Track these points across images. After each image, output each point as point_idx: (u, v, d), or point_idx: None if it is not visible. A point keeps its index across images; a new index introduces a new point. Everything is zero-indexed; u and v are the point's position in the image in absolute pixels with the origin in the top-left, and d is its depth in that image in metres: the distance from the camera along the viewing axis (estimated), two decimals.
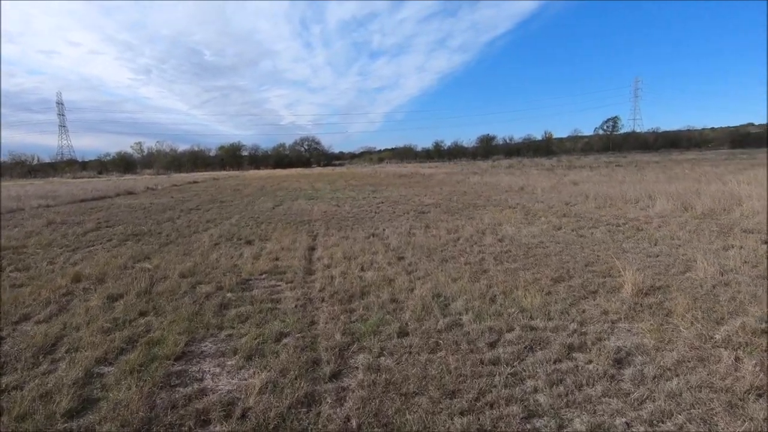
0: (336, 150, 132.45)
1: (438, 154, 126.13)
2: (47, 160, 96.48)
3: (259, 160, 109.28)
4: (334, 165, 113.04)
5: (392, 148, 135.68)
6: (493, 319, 4.13)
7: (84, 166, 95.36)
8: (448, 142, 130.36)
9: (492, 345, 3.57)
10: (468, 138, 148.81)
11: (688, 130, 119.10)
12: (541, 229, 9.05)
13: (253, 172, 75.04)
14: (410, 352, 3.46)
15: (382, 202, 15.78)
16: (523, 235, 8.55)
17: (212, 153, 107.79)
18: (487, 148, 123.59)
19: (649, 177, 21.17)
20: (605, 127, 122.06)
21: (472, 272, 5.88)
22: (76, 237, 10.00)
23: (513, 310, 4.35)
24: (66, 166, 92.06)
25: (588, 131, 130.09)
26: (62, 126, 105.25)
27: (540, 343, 3.56)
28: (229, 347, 3.71)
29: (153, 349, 3.68)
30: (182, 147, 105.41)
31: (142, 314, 4.62)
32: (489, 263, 6.41)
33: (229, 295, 5.29)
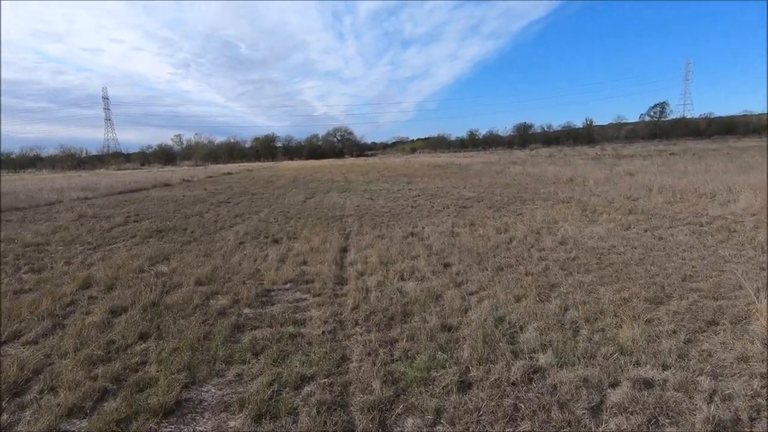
0: (368, 140, 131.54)
1: (473, 143, 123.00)
2: (94, 153, 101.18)
3: (292, 151, 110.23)
4: (367, 155, 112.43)
5: (425, 138, 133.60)
6: (584, 363, 3.07)
7: (128, 158, 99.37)
8: (482, 131, 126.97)
9: (595, 412, 2.52)
10: (503, 126, 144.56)
11: (745, 114, 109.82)
12: (607, 229, 7.76)
13: (286, 163, 75.54)
14: (479, 421, 2.47)
15: (419, 195, 14.73)
16: (587, 236, 7.32)
17: (248, 144, 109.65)
18: (524, 137, 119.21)
19: (715, 166, 18.98)
20: (652, 113, 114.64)
21: (537, 287, 4.79)
22: (102, 233, 9.60)
23: (608, 348, 3.26)
24: (111, 158, 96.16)
25: (632, 118, 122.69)
26: (108, 120, 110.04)
27: (668, 414, 2.48)
28: (235, 396, 2.85)
29: (141, 395, 2.87)
30: (219, 139, 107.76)
31: (143, 337, 3.87)
32: (556, 274, 5.28)
33: (246, 311, 4.47)
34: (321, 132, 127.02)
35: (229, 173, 40.69)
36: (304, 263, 6.43)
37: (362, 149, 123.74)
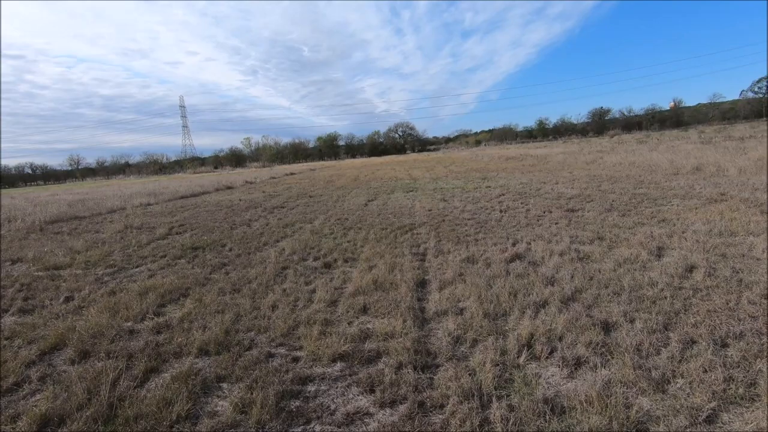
0: (429, 135, 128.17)
1: (542, 132, 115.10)
2: (174, 158, 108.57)
3: (354, 148, 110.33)
4: (429, 150, 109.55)
5: (489, 130, 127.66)
6: None
7: (203, 162, 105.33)
8: (552, 119, 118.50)
9: None
10: (576, 113, 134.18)
11: None
12: None
13: (348, 161, 75.06)
14: None
15: (503, 195, 12.08)
16: None
17: (311, 144, 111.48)
18: (601, 123, 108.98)
19: None
20: (756, 89, 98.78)
21: None
22: (135, 249, 8.24)
23: None
24: (188, 162, 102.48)
25: (731, 95, 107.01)
26: (185, 127, 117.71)
27: None
28: None
29: None
30: (285, 140, 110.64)
31: None
32: None
33: None
34: (382, 128, 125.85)
35: (291, 173, 40.27)
36: (364, 310, 4.28)
37: (424, 144, 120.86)
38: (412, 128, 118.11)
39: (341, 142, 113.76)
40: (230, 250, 7.57)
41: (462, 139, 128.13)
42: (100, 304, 5.04)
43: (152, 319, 4.42)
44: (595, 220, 7.56)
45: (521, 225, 7.76)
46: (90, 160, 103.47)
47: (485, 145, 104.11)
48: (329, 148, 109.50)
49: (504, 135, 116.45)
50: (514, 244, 6.38)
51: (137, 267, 6.91)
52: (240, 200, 16.95)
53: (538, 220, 8.04)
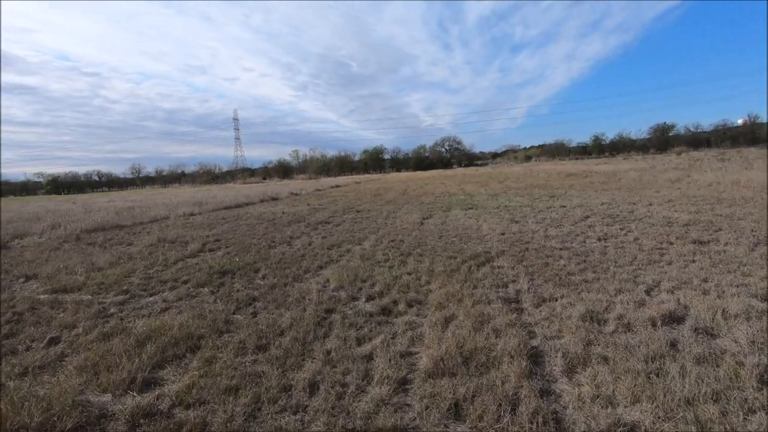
0: (476, 150, 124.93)
1: (598, 148, 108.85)
2: (226, 169, 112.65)
3: (400, 162, 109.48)
4: (476, 165, 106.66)
5: (540, 145, 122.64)
6: None
7: (252, 173, 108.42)
8: (608, 135, 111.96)
9: None
10: (634, 129, 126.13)
11: None
12: None
13: (394, 175, 74.02)
14: None
15: (587, 216, 10.04)
16: None
17: (357, 158, 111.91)
18: (663, 139, 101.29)
19: None
20: None
21: None
22: (158, 270, 7.09)
23: None
24: (239, 173, 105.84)
25: None
26: (237, 139, 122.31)
27: None
28: None
29: None
30: (331, 153, 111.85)
31: None
32: None
33: None
34: (427, 143, 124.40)
35: (337, 186, 39.49)
36: (456, 413, 2.63)
37: (471, 159, 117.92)
38: (459, 142, 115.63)
39: (386, 156, 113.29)
40: (264, 277, 6.18)
41: (510, 154, 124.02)
42: (83, 356, 3.73)
43: (134, 397, 3.01)
44: (749, 259, 5.49)
45: (641, 261, 5.80)
46: (150, 169, 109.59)
47: (536, 160, 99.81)
48: (374, 161, 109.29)
49: (556, 150, 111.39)
50: (648, 292, 4.50)
51: (152, 295, 5.66)
52: (283, 213, 15.87)
53: (660, 255, 6.05)
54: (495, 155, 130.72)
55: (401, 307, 4.62)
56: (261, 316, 4.54)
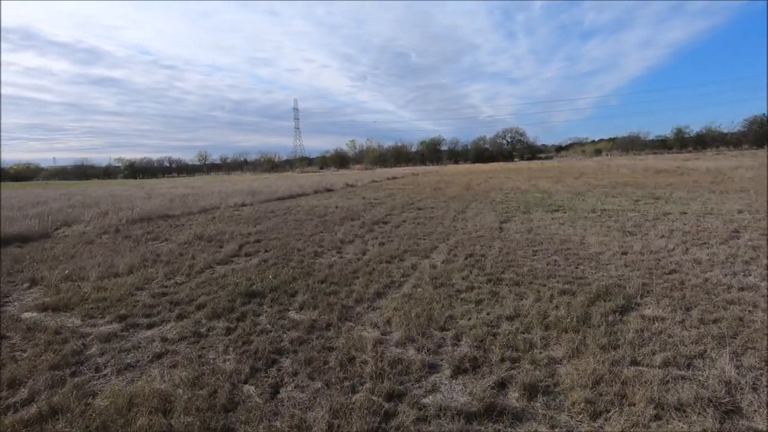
0: (538, 142, 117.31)
1: (680, 142, 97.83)
2: (285, 158, 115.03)
3: (458, 154, 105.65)
4: (540, 158, 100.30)
5: (611, 138, 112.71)
6: None
7: (310, 162, 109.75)
8: (693, 128, 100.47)
9: None
10: (724, 121, 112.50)
11: None
12: None
13: (452, 167, 71.07)
14: None
15: (738, 231, 7.40)
16: None
17: (414, 148, 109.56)
18: (762, 133, 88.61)
19: None
20: None
21: None
22: (178, 282, 5.70)
23: None
24: (297, 162, 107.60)
25: None
26: (297, 129, 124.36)
27: None
28: None
29: None
30: (388, 143, 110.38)
31: None
32: None
33: None
34: (486, 134, 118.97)
35: (393, 177, 37.74)
36: None
37: (533, 152, 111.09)
38: (522, 134, 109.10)
39: (444, 147, 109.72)
40: (301, 307, 4.49)
41: (577, 147, 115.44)
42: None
43: None
44: None
45: None
46: (215, 157, 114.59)
47: (607, 154, 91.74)
48: (432, 152, 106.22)
49: (630, 144, 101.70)
50: None
51: (151, 327, 4.17)
52: (336, 207, 14.35)
53: None
54: (560, 148, 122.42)
55: (514, 396, 2.70)
56: (284, 394, 2.83)
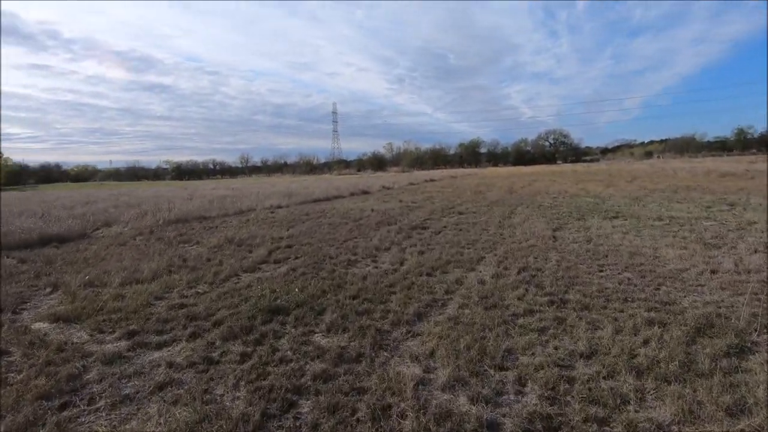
0: (584, 144, 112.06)
1: (742, 144, 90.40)
2: (323, 160, 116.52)
3: (498, 157, 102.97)
4: (584, 161, 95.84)
5: (662, 140, 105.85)
6: None
7: (347, 164, 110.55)
8: (758, 128, 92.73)
9: None
10: None
11: None
12: None
13: (491, 169, 69.11)
14: None
15: None
16: None
17: (452, 151, 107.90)
18: None
19: None
20: None
21: None
22: (199, 292, 5.25)
23: None
24: (335, 164, 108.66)
25: None
26: (335, 131, 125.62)
27: None
28: None
29: None
30: (425, 146, 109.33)
31: None
32: None
33: None
34: (527, 136, 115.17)
35: (431, 180, 36.85)
36: None
37: (578, 154, 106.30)
38: (565, 136, 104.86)
39: (483, 150, 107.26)
40: (329, 330, 3.86)
41: (625, 149, 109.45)
42: None
43: None
44: None
45: None
46: (256, 159, 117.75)
47: (659, 157, 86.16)
48: (470, 154, 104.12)
49: (685, 145, 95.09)
50: None
51: (160, 348, 3.67)
52: (372, 210, 13.76)
53: None
54: (605, 150, 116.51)
55: None
56: None
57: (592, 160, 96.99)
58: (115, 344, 3.77)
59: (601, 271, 5.51)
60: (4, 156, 77.98)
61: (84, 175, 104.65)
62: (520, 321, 3.89)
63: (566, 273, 5.42)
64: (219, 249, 7.97)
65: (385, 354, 3.36)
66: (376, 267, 6.22)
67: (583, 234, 8.14)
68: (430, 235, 8.78)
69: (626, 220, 9.76)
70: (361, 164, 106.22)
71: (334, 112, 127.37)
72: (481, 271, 5.73)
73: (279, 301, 4.62)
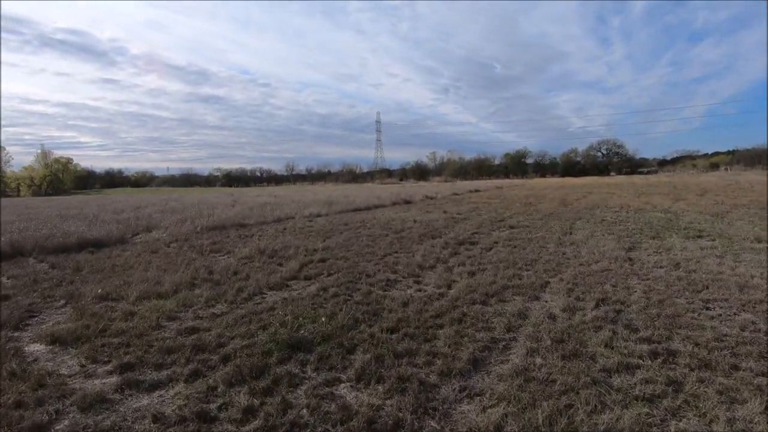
0: (639, 155, 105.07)
1: None
2: (366, 169, 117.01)
3: (545, 167, 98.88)
4: (641, 172, 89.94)
5: (730, 151, 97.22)
6: None
7: (390, 173, 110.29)
8: None
9: None
10: None
11: None
12: None
13: (539, 180, 66.16)
14: None
15: None
16: None
17: (496, 161, 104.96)
18: None
19: None
20: None
21: None
22: (216, 313, 4.60)
23: None
24: (377, 173, 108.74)
25: None
26: (378, 140, 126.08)
27: None
28: None
29: None
30: (469, 156, 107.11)
31: None
32: None
33: None
34: (576, 146, 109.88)
35: (476, 190, 35.41)
36: None
37: (633, 165, 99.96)
38: (620, 146, 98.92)
39: (529, 160, 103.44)
40: (358, 379, 3.01)
41: (687, 161, 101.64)
42: None
43: None
44: None
45: None
46: (301, 167, 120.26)
47: (727, 169, 79.14)
48: (516, 165, 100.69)
49: (756, 157, 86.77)
50: None
51: (150, 392, 2.98)
52: (414, 221, 12.88)
53: None
54: (663, 162, 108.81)
55: None
56: None
57: (648, 172, 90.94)
58: (103, 380, 3.13)
59: (708, 308, 4.32)
60: (74, 162, 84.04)
61: (142, 181, 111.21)
62: (616, 381, 2.87)
63: (660, 309, 4.28)
64: (249, 260, 7.40)
65: (433, 425, 2.46)
66: (419, 290, 5.33)
67: (666, 257, 6.84)
68: (480, 251, 7.77)
69: (714, 240, 8.27)
70: (404, 173, 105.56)
71: (378, 122, 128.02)
72: (547, 301, 4.69)
73: (302, 331, 3.84)
